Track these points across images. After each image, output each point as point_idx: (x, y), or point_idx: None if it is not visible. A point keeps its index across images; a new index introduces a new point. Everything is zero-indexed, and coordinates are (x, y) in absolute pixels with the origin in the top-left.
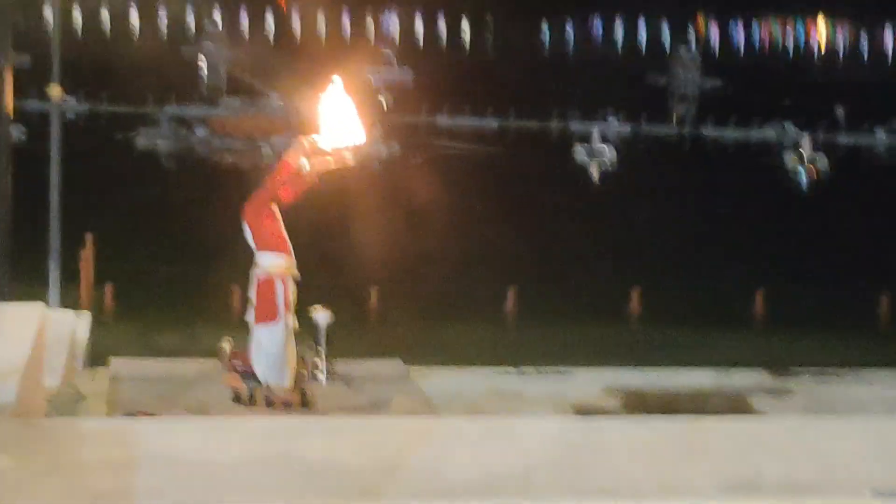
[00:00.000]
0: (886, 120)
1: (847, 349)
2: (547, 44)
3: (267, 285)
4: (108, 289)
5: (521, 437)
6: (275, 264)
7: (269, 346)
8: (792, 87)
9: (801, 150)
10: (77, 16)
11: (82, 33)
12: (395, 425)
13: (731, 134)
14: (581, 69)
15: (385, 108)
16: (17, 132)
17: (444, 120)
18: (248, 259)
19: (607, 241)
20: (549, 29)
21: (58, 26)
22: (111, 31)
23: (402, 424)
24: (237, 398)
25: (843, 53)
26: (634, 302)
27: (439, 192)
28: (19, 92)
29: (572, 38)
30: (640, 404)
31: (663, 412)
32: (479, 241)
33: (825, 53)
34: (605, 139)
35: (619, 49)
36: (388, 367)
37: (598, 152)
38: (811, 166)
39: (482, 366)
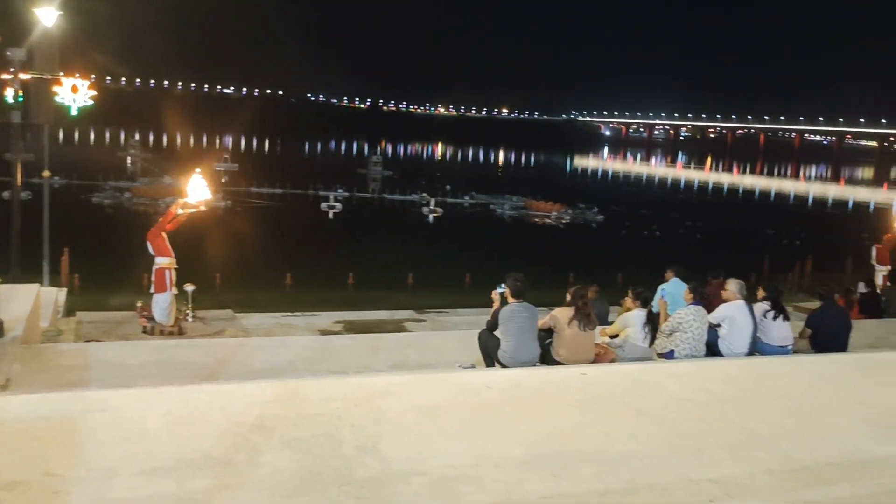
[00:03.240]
0: (468, 192)
1: (451, 297)
2: (307, 150)
3: (160, 273)
4: (76, 277)
5: (291, 345)
6: (164, 262)
7: (162, 303)
8: (425, 175)
9: (429, 204)
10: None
11: (62, 141)
12: (227, 342)
13: (398, 197)
14: (324, 164)
15: (224, 182)
16: (25, 195)
17: (254, 189)
18: (150, 260)
19: (335, 251)
20: (310, 144)
21: (48, 138)
22: (78, 140)
23: (231, 342)
24: (145, 331)
25: (448, 160)
26: (350, 280)
27: (251, 226)
28: (27, 173)
29: (319, 148)
30: (352, 328)
31: (364, 332)
32: (270, 249)
33: (441, 159)
34: (336, 199)
35: (343, 154)
36: (224, 314)
37: (333, 206)
38: (434, 212)
39: (274, 312)
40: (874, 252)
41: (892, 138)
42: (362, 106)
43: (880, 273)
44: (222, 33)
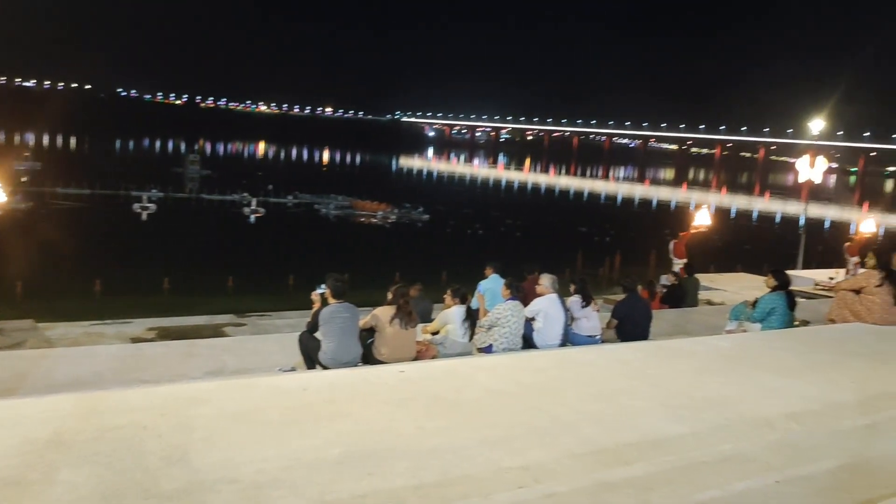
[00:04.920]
0: (292, 192)
1: (273, 300)
2: (118, 148)
3: None
4: None
5: (99, 355)
6: None
7: None
8: (246, 175)
9: (251, 205)
10: None
11: None
12: (26, 354)
13: (217, 197)
14: (138, 163)
15: (24, 182)
16: None
17: (60, 189)
18: None
19: (149, 254)
20: (121, 142)
21: None
22: None
23: (31, 353)
24: None
25: (271, 159)
26: (166, 284)
27: (56, 229)
28: None
29: (132, 146)
30: (166, 335)
31: (179, 338)
32: (78, 253)
33: (263, 158)
34: (150, 200)
35: (157, 152)
36: (25, 324)
37: (146, 207)
38: (256, 213)
39: (82, 321)
40: (672, 247)
41: (689, 142)
42: (178, 102)
43: (677, 266)
44: (21, 22)
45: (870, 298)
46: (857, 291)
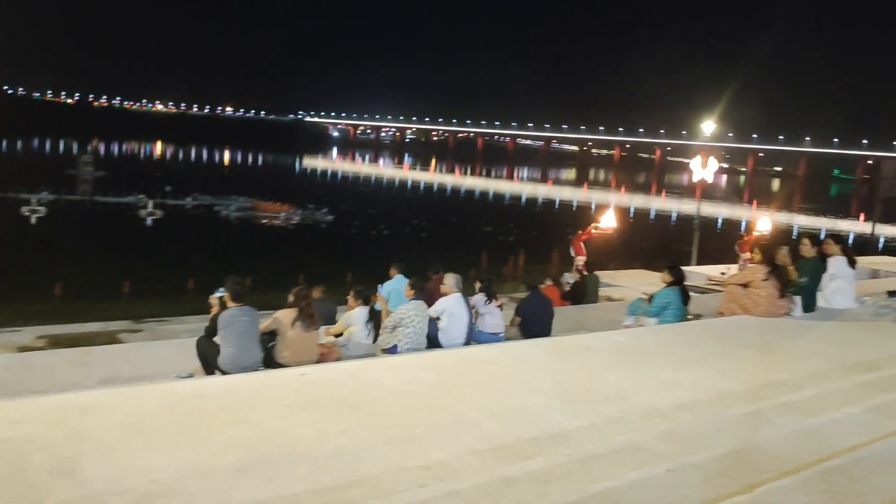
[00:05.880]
0: (191, 193)
1: (173, 305)
2: (5, 148)
3: None
4: None
5: None
6: None
7: None
8: (143, 176)
9: (148, 207)
10: None
11: None
12: None
13: (112, 199)
14: (26, 164)
15: None
16: None
17: None
18: None
19: (39, 259)
20: (8, 142)
21: None
22: None
23: None
24: None
25: (168, 159)
26: (57, 290)
27: None
28: None
29: (20, 147)
30: (57, 343)
31: (71, 346)
32: None
33: (160, 158)
34: (40, 203)
35: (48, 152)
36: None
37: (36, 210)
38: (153, 215)
39: None
40: (572, 245)
41: (590, 143)
42: (69, 101)
43: (579, 263)
44: None
45: (756, 292)
46: (745, 286)
